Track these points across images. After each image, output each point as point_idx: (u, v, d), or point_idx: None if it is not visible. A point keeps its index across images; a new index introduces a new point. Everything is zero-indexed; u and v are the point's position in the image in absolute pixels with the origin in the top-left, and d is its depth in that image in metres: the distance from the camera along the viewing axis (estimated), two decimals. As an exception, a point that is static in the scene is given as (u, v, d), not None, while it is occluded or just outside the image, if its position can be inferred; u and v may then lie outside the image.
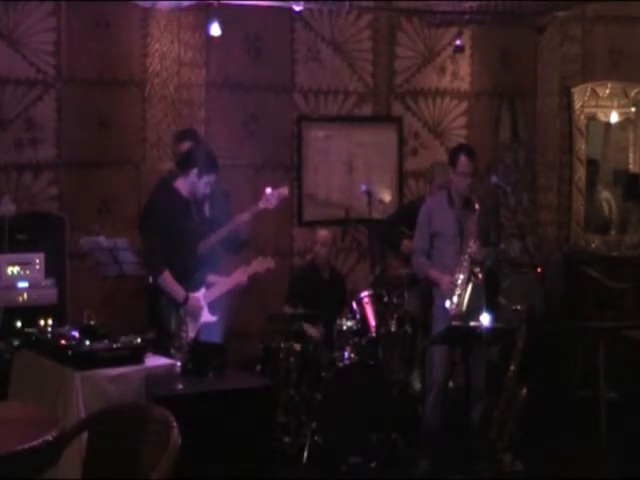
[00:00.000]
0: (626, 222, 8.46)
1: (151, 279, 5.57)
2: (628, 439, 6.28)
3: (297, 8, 7.05)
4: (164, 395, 4.26)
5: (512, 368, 5.64)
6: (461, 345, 5.79)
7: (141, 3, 6.95)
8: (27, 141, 6.87)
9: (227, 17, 6.83)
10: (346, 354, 6.13)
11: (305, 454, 5.86)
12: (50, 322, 4.87)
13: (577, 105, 8.33)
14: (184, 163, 5.58)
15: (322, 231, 7.04)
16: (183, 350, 4.68)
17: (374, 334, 6.44)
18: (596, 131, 8.53)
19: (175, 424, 3.24)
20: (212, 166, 5.51)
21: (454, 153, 5.99)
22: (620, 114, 8.48)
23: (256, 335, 6.93)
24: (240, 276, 5.71)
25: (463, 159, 5.84)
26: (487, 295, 5.89)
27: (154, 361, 4.66)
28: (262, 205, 5.90)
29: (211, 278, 5.71)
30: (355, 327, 6.36)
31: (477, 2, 7.55)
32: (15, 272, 6.25)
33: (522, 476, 5.62)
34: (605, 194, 8.54)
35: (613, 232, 8.51)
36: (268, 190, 5.92)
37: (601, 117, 8.49)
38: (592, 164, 8.43)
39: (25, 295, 6.22)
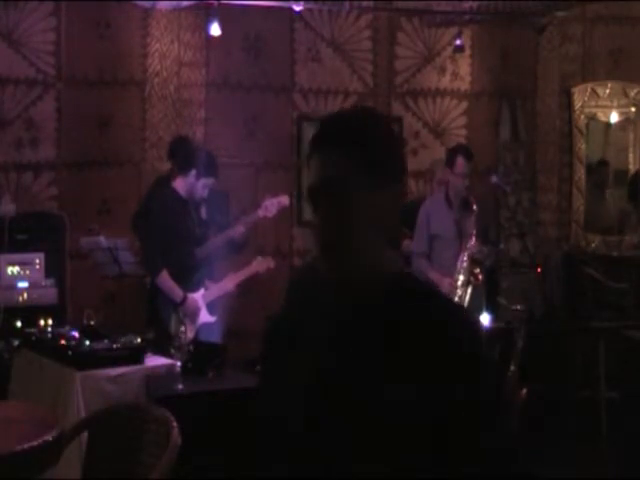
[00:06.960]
0: (626, 222, 8.46)
1: (151, 279, 5.57)
2: (628, 439, 6.28)
3: (297, 8, 7.05)
4: (164, 395, 4.27)
5: (512, 368, 5.64)
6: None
7: (141, 3, 6.94)
8: (27, 141, 6.86)
9: (227, 17, 6.83)
10: (346, 354, 6.10)
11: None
12: (50, 322, 4.87)
13: (577, 105, 8.32)
14: (184, 164, 5.58)
15: None
16: (183, 350, 4.68)
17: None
18: (596, 131, 8.52)
19: (175, 424, 3.25)
20: (211, 170, 5.50)
21: (451, 154, 5.98)
22: (620, 114, 8.47)
23: (256, 335, 6.90)
24: (227, 285, 5.68)
25: (460, 160, 5.82)
26: (487, 295, 5.88)
27: (154, 361, 4.66)
28: (261, 214, 5.78)
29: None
30: (355, 327, 6.34)
31: (477, 2, 7.54)
32: (15, 272, 6.24)
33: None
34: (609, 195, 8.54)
35: (613, 232, 8.50)
36: (267, 199, 5.82)
37: (601, 117, 8.48)
38: (602, 165, 8.42)
39: (25, 295, 6.21)
